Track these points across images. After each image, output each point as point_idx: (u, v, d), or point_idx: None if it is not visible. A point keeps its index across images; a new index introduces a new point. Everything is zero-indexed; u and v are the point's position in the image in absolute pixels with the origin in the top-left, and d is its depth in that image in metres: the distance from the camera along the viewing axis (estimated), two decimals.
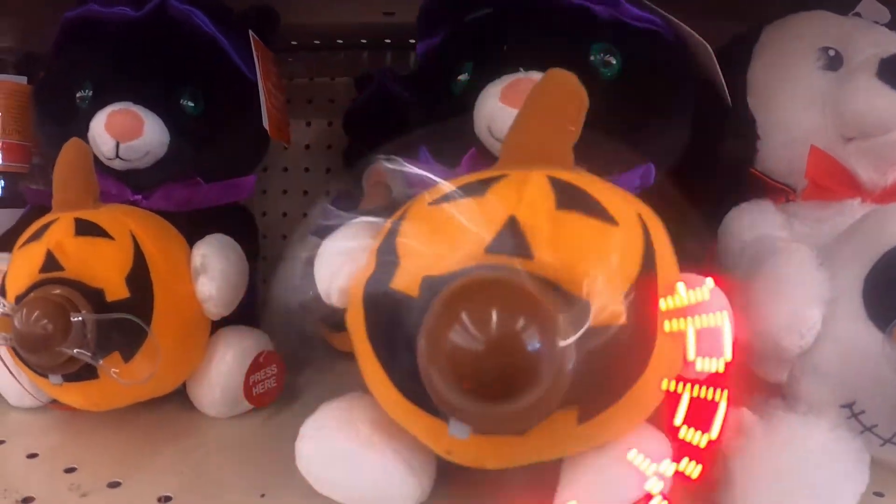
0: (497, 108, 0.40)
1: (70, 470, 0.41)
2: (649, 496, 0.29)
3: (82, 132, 0.48)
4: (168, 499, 0.37)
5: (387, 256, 0.29)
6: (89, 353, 0.38)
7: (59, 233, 0.41)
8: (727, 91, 0.47)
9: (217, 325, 0.48)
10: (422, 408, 0.29)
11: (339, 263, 0.32)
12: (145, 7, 0.48)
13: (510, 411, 0.24)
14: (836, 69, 0.47)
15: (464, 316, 0.23)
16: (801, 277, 0.37)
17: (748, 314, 0.36)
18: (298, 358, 0.53)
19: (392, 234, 0.30)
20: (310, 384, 0.54)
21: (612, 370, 0.28)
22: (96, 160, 0.48)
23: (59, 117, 0.51)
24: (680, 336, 0.30)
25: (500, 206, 0.28)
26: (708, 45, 0.44)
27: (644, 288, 0.28)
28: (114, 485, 0.39)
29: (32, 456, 0.43)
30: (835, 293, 0.37)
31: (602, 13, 0.43)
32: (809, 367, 0.38)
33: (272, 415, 0.49)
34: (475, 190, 0.30)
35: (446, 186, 0.30)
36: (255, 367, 0.47)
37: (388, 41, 0.75)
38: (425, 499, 0.33)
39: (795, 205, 0.47)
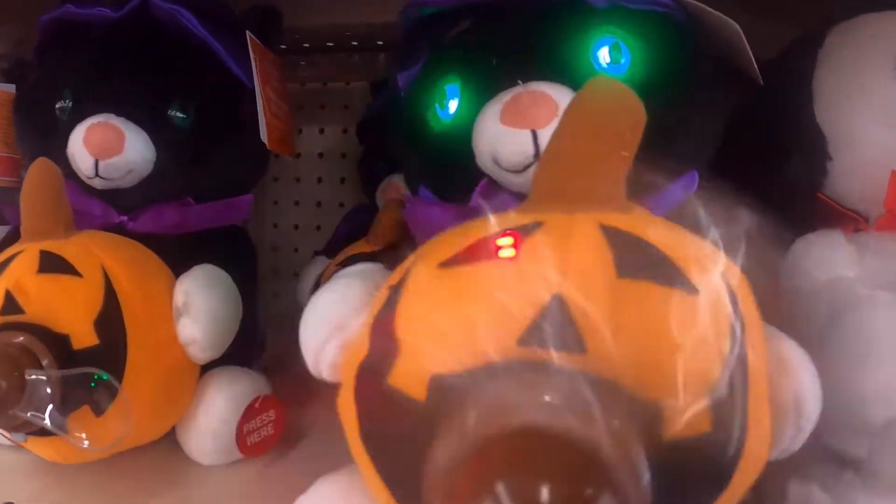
0: (499, 132, 0.31)
1: None
2: None
3: (62, 147, 0.40)
4: None
5: (383, 339, 0.20)
6: (45, 418, 0.30)
7: (20, 269, 0.33)
8: (758, 71, 0.37)
9: (208, 364, 0.39)
10: None
11: (326, 332, 0.23)
12: (125, 7, 0.40)
13: None
14: None
15: (499, 488, 0.14)
16: (890, 337, 0.30)
17: (826, 377, 0.28)
18: (299, 395, 0.44)
19: (389, 309, 0.21)
20: (314, 424, 0.45)
21: (687, 494, 0.19)
22: (80, 179, 0.41)
23: (40, 130, 0.43)
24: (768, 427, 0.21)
25: (538, 276, 0.19)
26: (735, 24, 0.34)
27: (734, 379, 0.19)
28: None
29: None
30: None
31: (598, 3, 0.33)
32: (893, 442, 0.29)
33: (272, 461, 0.41)
34: None
35: (460, 239, 0.21)
36: (250, 414, 0.39)
37: None
38: None
39: (866, 235, 0.37)
